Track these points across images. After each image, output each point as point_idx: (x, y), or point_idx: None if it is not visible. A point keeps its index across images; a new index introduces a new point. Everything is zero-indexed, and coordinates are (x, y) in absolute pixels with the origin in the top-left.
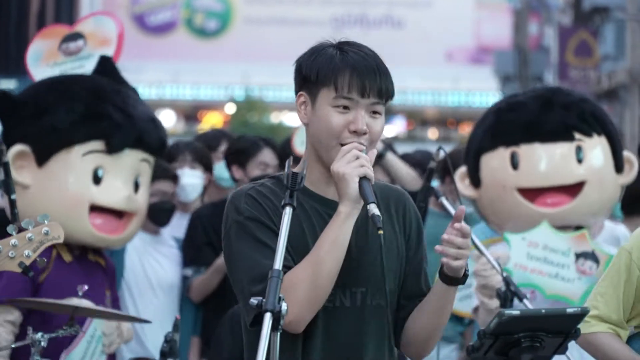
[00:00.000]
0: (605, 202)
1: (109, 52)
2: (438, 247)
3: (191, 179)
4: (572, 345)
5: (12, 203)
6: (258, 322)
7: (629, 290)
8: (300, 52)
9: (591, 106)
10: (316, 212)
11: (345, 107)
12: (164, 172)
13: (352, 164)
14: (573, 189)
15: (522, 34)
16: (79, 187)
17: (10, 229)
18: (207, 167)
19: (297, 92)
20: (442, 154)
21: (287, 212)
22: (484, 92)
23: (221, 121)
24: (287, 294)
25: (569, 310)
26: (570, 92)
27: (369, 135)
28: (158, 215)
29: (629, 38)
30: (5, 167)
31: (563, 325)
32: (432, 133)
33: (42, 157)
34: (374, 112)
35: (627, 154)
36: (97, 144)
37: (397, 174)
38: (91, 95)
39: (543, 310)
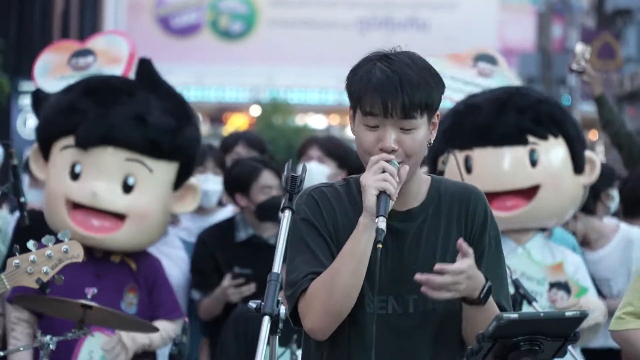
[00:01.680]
0: (565, 204)
1: (118, 70)
2: (416, 277)
3: (214, 185)
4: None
5: (21, 206)
6: (296, 318)
7: None
8: (325, 54)
9: (549, 107)
10: None
11: (374, 126)
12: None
13: (375, 177)
14: (528, 193)
15: (546, 37)
16: (56, 181)
17: (30, 244)
18: None
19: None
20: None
21: (286, 215)
22: None
23: (246, 123)
24: (308, 302)
25: (568, 313)
26: (529, 93)
27: (402, 151)
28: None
29: None
30: (14, 169)
31: (562, 328)
32: None
33: (43, 152)
34: (404, 129)
35: (589, 154)
36: (71, 139)
37: None
38: (83, 91)
39: (542, 314)
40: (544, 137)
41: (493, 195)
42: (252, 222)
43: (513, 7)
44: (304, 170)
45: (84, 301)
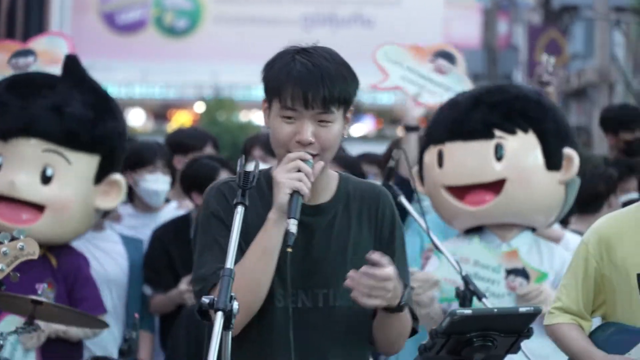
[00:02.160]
0: (537, 200)
1: (57, 70)
2: (347, 282)
3: (163, 185)
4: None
5: None
6: (203, 314)
7: (587, 282)
8: (270, 50)
9: (524, 103)
10: None
11: (291, 118)
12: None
13: (290, 175)
14: (496, 187)
15: (492, 33)
16: None
17: None
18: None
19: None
20: (401, 154)
21: (239, 211)
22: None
23: (190, 120)
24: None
25: (522, 309)
26: (509, 90)
27: (318, 144)
28: None
29: (598, 37)
30: None
31: (515, 324)
32: (402, 132)
33: None
34: (322, 121)
35: (568, 151)
36: None
37: None
38: (6, 86)
39: (495, 310)
40: (511, 131)
41: (463, 189)
42: None
43: (458, 3)
44: (257, 166)
45: (34, 297)
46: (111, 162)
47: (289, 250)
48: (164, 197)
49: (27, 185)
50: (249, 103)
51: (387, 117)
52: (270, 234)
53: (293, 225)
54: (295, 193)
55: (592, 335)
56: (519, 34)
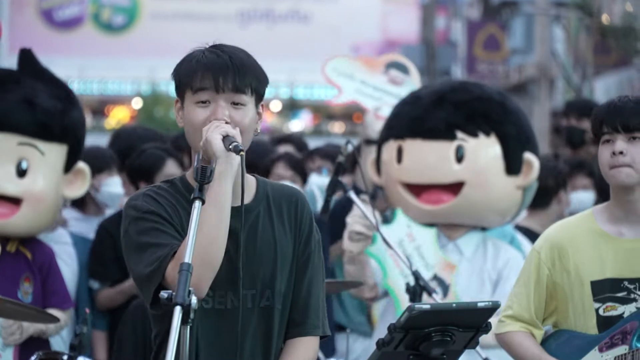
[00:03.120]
0: (493, 203)
1: None
2: None
3: (119, 188)
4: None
5: None
6: (158, 303)
7: (539, 289)
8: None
9: (487, 105)
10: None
11: (205, 102)
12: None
13: (213, 129)
14: (454, 188)
15: (430, 28)
16: None
17: None
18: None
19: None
20: (349, 148)
21: (197, 206)
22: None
23: (128, 116)
24: (178, 261)
25: (480, 304)
26: (473, 89)
27: (233, 125)
28: None
29: (538, 32)
30: None
31: (474, 319)
32: (339, 127)
33: None
34: (235, 104)
35: (528, 156)
36: None
37: None
38: None
39: (454, 305)
40: (473, 134)
41: (420, 188)
42: None
43: None
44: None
45: None
46: (77, 151)
47: (242, 153)
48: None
49: (4, 180)
50: None
51: (324, 112)
52: (218, 187)
53: (234, 142)
54: (225, 137)
55: (544, 343)
56: (457, 29)
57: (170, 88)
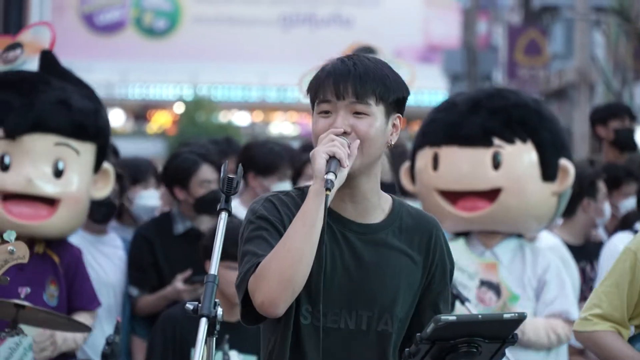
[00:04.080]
0: (530, 210)
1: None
2: None
3: (155, 201)
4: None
5: None
6: (248, 317)
7: (633, 290)
8: (249, 51)
9: (524, 112)
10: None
11: (327, 112)
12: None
13: (324, 145)
14: (491, 195)
15: (471, 33)
16: None
17: None
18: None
19: None
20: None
21: (222, 217)
22: (432, 91)
23: (170, 120)
24: (259, 275)
25: (506, 315)
26: (509, 96)
27: (355, 135)
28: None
29: (578, 37)
30: None
31: (500, 330)
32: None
33: None
34: (357, 113)
35: (564, 162)
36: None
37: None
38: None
39: (480, 316)
40: (510, 140)
41: (457, 195)
42: (189, 214)
43: (438, 3)
44: (241, 172)
45: (17, 301)
46: (105, 151)
47: (328, 193)
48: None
49: (43, 181)
50: (228, 103)
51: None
52: (310, 205)
53: (330, 175)
54: (331, 158)
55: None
56: (498, 34)
57: (212, 92)
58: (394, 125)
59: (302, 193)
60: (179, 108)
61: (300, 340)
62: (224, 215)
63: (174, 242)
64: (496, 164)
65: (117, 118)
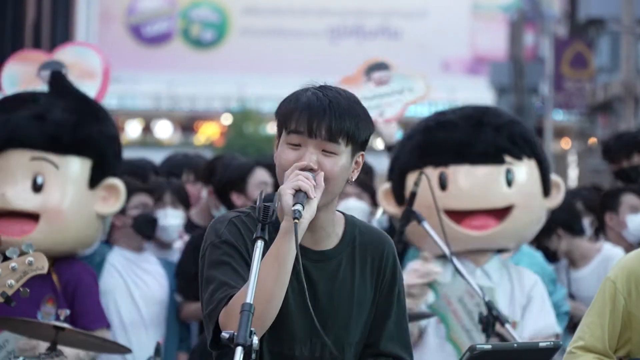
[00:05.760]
0: (532, 226)
1: (95, 85)
2: None
3: (173, 220)
4: None
5: None
6: (218, 345)
7: (615, 320)
8: (296, 62)
9: (520, 128)
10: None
11: (297, 145)
12: (138, 186)
13: (289, 180)
14: (500, 212)
15: (518, 45)
16: None
17: None
18: (187, 206)
19: None
20: (423, 178)
21: (259, 246)
22: (479, 102)
23: (217, 132)
24: (229, 311)
25: (542, 344)
26: (500, 113)
27: (321, 172)
28: (142, 226)
29: (624, 50)
30: None
31: (535, 359)
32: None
33: None
34: (326, 152)
35: (555, 178)
36: None
37: None
38: None
39: (515, 345)
40: (519, 157)
41: (465, 214)
42: None
43: (484, 15)
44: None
45: (56, 323)
46: (103, 166)
47: (296, 221)
48: (177, 232)
49: (18, 196)
50: None
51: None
52: (281, 244)
53: (297, 206)
54: (297, 191)
55: None
56: (545, 46)
57: (259, 104)
58: (356, 162)
59: (251, 217)
60: (227, 119)
61: None
62: (260, 244)
63: None
64: (509, 181)
65: (164, 129)
